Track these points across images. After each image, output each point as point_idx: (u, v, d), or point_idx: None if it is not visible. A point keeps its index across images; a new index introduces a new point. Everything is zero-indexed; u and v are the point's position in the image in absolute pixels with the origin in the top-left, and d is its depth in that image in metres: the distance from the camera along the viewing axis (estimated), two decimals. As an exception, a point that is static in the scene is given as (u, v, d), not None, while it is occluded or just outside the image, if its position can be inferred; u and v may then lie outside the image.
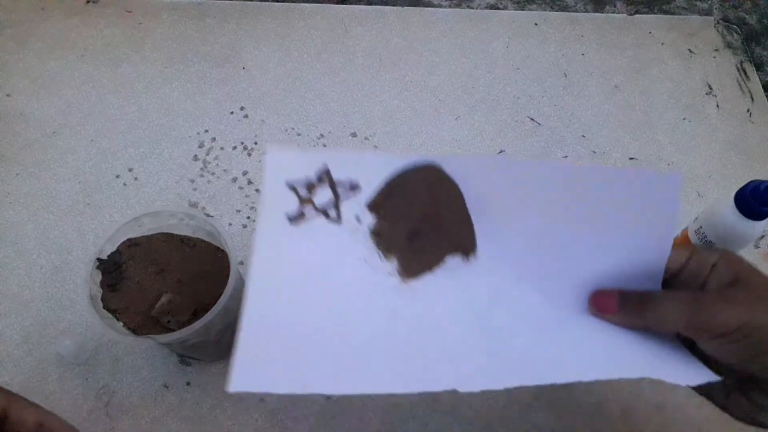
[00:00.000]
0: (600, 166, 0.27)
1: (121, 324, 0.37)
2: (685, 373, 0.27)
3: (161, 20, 0.65)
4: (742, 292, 0.27)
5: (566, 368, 0.28)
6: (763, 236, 0.55)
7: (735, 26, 0.71)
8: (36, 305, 0.47)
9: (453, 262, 0.31)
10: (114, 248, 0.40)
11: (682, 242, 0.47)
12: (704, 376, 0.27)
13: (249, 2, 0.67)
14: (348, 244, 0.30)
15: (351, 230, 0.30)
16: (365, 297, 0.29)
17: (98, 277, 0.39)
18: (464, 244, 0.31)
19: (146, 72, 0.61)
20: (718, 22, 0.71)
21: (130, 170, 0.55)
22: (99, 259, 0.39)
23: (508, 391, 0.45)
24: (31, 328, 0.46)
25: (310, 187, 0.29)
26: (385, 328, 0.28)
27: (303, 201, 0.29)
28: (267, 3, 0.67)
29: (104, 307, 0.38)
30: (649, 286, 0.30)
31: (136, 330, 0.37)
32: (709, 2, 0.74)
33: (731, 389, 0.29)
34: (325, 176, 0.29)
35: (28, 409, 0.28)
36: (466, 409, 0.44)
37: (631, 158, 0.58)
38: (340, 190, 0.30)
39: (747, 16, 0.73)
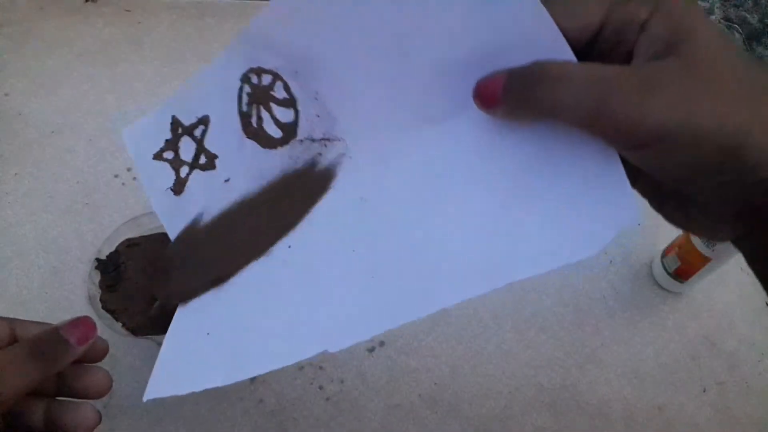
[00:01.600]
0: None
1: (120, 324, 0.37)
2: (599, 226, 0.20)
3: (160, 19, 0.65)
4: (676, 68, 0.17)
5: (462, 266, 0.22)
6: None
7: (736, 25, 0.71)
8: (34, 306, 0.47)
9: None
10: (113, 248, 0.40)
11: (682, 242, 0.47)
12: (620, 221, 0.20)
13: (248, 2, 0.66)
14: (225, 192, 0.28)
15: (224, 168, 0.28)
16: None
17: (97, 277, 0.38)
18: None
19: (145, 71, 0.61)
20: (719, 21, 0.71)
21: (129, 170, 0.54)
22: (98, 260, 0.39)
23: (509, 392, 0.45)
24: (30, 329, 0.46)
25: (173, 147, 0.28)
26: (278, 276, 0.26)
27: (174, 165, 0.28)
28: (266, 2, 0.67)
29: (103, 308, 0.37)
30: None
31: (135, 330, 0.37)
32: (710, 1, 0.74)
33: (666, 198, 0.22)
34: (179, 127, 0.28)
35: None
36: (467, 409, 0.44)
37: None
38: (196, 132, 0.28)
39: (748, 16, 0.73)
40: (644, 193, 0.22)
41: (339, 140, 0.26)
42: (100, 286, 0.38)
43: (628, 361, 0.47)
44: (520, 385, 0.46)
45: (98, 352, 0.28)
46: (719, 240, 0.21)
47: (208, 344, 0.26)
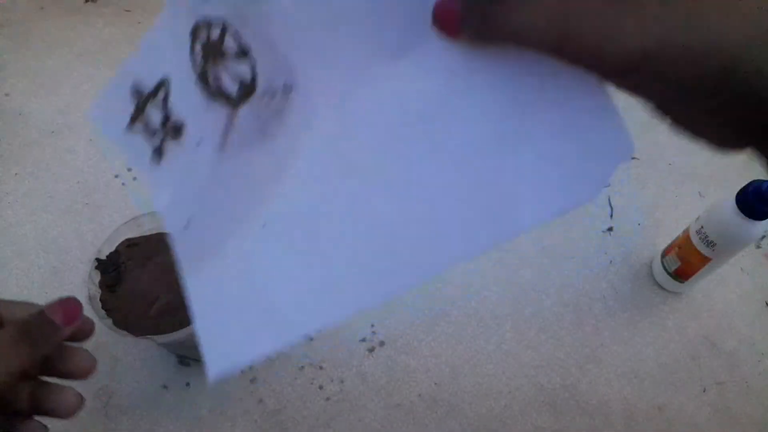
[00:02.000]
0: None
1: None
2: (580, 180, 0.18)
3: (160, 19, 0.65)
4: None
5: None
6: (764, 236, 0.54)
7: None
8: (34, 305, 0.47)
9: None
10: (113, 248, 0.40)
11: (682, 242, 0.47)
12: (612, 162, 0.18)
13: (248, 1, 0.67)
14: (198, 157, 0.26)
15: (195, 133, 0.26)
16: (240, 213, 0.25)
17: (97, 277, 0.38)
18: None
19: (145, 71, 0.61)
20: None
21: (129, 170, 0.54)
22: (98, 260, 0.39)
23: (509, 392, 0.45)
24: (30, 329, 0.46)
25: (141, 116, 0.27)
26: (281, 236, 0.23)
27: (147, 135, 0.27)
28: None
29: (103, 308, 0.37)
30: None
31: (134, 330, 0.37)
32: (710, 1, 0.74)
33: (668, 108, 0.18)
34: (141, 95, 0.26)
35: None
36: (467, 409, 0.44)
37: (633, 158, 0.58)
38: (159, 97, 0.26)
39: (748, 15, 0.73)
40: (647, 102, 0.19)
41: (300, 89, 0.23)
42: (100, 286, 0.38)
43: (628, 361, 0.47)
44: (520, 385, 0.46)
45: (84, 332, 0.28)
46: (730, 151, 0.18)
47: (235, 309, 0.24)
